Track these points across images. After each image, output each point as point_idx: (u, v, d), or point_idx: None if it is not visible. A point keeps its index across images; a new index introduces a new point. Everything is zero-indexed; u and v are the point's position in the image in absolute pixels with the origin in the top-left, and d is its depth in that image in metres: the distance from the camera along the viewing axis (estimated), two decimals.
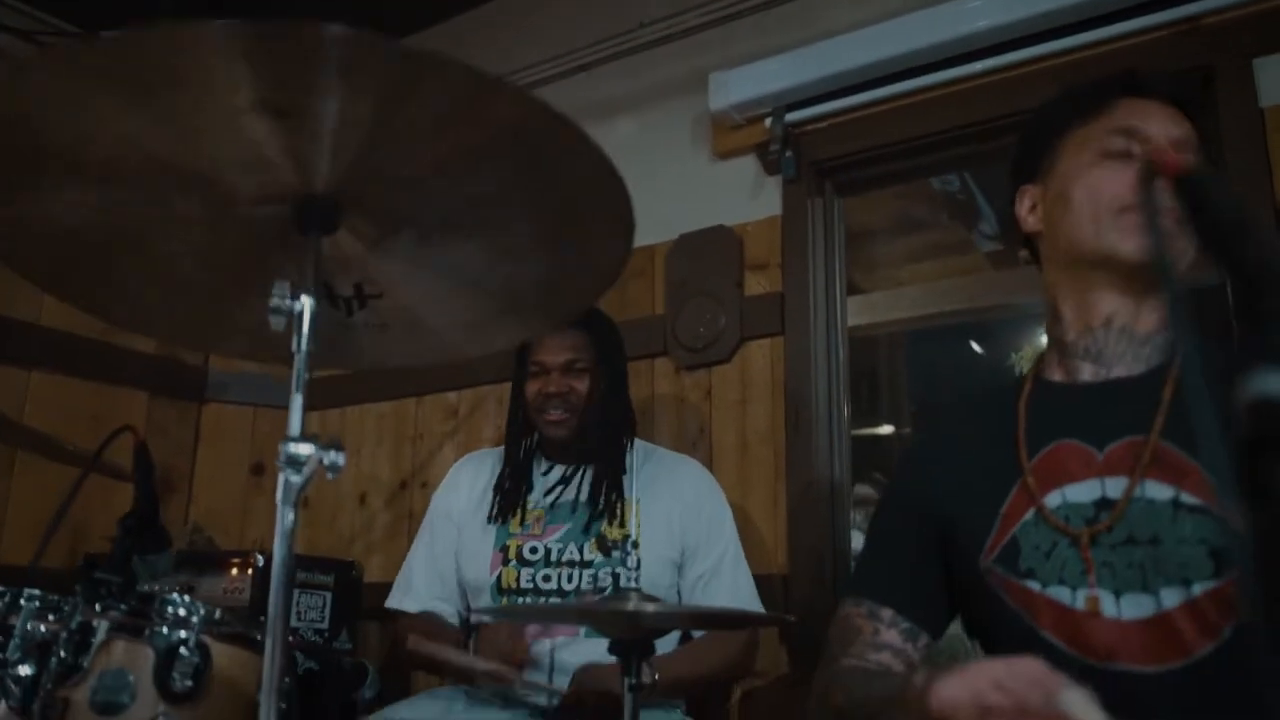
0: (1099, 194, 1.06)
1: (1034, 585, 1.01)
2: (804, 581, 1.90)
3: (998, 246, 3.26)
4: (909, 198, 3.15)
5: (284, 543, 0.82)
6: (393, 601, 1.80)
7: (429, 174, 0.86)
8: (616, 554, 1.63)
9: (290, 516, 0.82)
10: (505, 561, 1.70)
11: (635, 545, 1.14)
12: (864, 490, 2.95)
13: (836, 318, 2.09)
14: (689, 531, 1.70)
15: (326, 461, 0.84)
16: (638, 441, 1.81)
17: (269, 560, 1.77)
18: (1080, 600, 0.98)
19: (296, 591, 2.12)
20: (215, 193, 0.85)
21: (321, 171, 0.84)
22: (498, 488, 1.76)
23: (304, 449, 0.83)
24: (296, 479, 0.83)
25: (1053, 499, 1.03)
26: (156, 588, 1.17)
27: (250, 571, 2.05)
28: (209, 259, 0.93)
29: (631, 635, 1.15)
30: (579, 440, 1.74)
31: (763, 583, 1.77)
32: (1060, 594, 1.00)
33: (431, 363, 1.04)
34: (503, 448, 1.84)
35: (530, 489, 1.76)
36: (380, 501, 2.47)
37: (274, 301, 0.85)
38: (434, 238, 0.96)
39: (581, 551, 1.67)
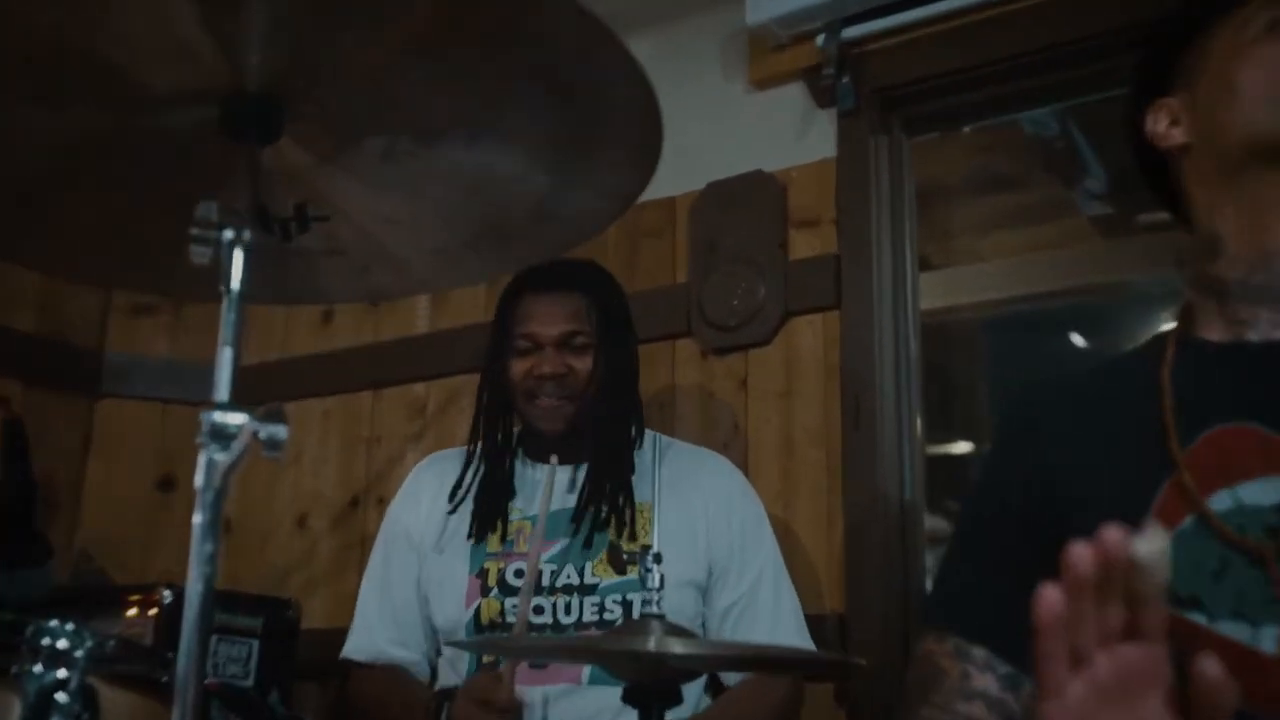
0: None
1: (1198, 618, 0.97)
2: (866, 623, 1.87)
3: (1108, 209, 3.24)
4: (993, 146, 3.12)
5: (202, 545, 0.79)
6: (345, 649, 1.79)
7: (401, 64, 0.83)
8: (634, 570, 1.60)
9: (210, 513, 0.80)
10: (485, 590, 1.69)
11: (658, 559, 1.11)
12: (936, 524, 2.93)
13: (906, 286, 2.08)
14: (716, 544, 1.69)
15: (263, 435, 0.83)
16: (648, 433, 1.80)
17: (179, 596, 1.73)
18: (1268, 641, 0.94)
19: (214, 638, 2.09)
20: (123, 88, 0.82)
21: (253, 60, 0.81)
22: (474, 495, 1.74)
23: (234, 418, 0.81)
24: (223, 457, 0.81)
25: (1220, 501, 0.99)
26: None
27: (154, 611, 2.02)
28: (114, 174, 0.91)
29: (652, 679, 1.12)
30: (575, 433, 1.72)
31: (811, 624, 1.75)
32: (1237, 631, 0.95)
33: (389, 296, 1.03)
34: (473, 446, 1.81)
35: (513, 495, 1.75)
36: (324, 524, 2.45)
37: (197, 229, 0.83)
38: (403, 149, 0.93)
39: (582, 574, 1.66)
